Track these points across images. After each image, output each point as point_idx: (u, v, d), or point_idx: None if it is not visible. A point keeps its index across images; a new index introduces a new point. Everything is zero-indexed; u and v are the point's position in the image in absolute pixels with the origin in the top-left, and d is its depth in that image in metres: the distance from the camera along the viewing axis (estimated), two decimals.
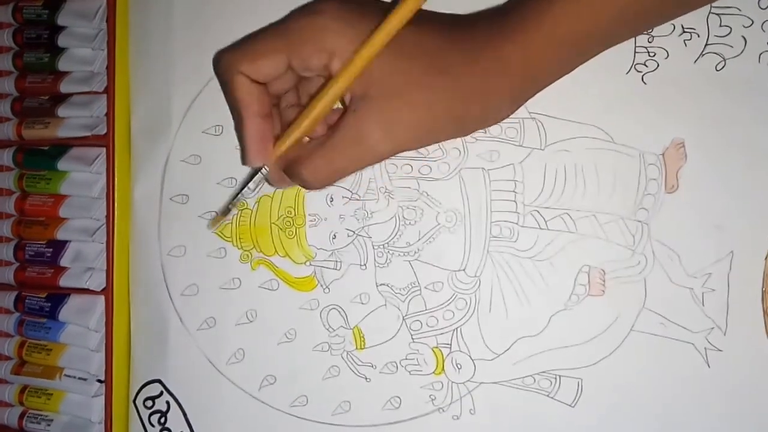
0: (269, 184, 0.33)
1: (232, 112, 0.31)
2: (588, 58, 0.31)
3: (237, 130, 0.31)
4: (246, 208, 0.39)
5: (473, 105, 0.30)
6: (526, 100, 0.31)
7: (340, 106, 0.31)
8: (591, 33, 0.29)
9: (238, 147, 0.39)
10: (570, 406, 0.36)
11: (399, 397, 0.38)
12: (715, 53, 0.35)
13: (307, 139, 0.32)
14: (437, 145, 0.37)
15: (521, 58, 0.29)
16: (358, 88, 0.29)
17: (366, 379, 0.38)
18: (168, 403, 0.40)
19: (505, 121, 0.36)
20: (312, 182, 0.30)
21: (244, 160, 0.31)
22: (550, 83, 0.31)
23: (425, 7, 0.27)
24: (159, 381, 0.40)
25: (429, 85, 0.29)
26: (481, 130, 0.37)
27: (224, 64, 0.30)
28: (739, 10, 0.35)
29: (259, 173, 0.32)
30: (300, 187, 0.39)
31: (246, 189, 0.32)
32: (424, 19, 0.30)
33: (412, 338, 0.38)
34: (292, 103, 0.33)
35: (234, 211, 0.34)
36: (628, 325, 0.36)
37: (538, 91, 0.31)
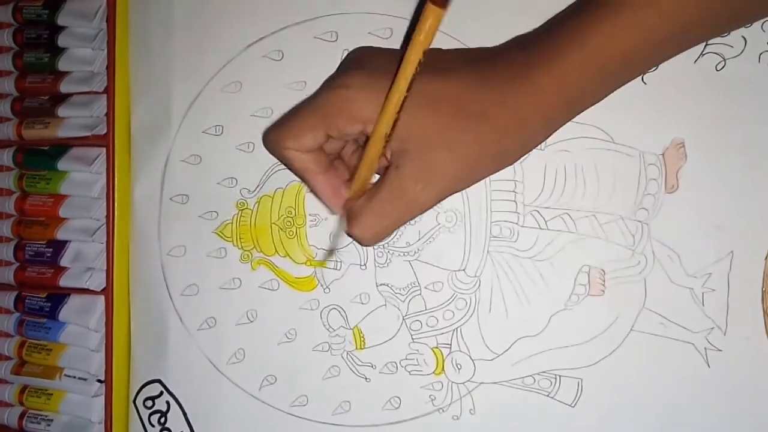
0: None
1: (300, 178, 0.34)
2: (624, 83, 0.31)
3: (311, 191, 0.35)
4: (246, 208, 0.39)
5: (508, 140, 0.30)
6: (562, 125, 0.31)
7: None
8: (629, 60, 0.29)
9: (239, 147, 0.39)
10: (570, 406, 0.36)
11: (399, 397, 0.38)
12: (715, 53, 0.35)
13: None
14: None
15: (557, 88, 0.29)
16: (396, 144, 0.30)
17: (366, 379, 0.38)
18: (168, 403, 0.40)
19: None
20: (363, 240, 0.31)
21: (330, 212, 0.34)
22: (586, 108, 0.31)
23: (450, 45, 0.27)
24: (159, 381, 0.40)
25: (461, 130, 0.29)
26: None
27: (271, 143, 0.33)
28: None
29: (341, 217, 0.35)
30: (300, 187, 0.39)
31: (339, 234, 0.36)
32: (449, 62, 0.31)
33: (412, 338, 0.38)
34: (352, 150, 0.34)
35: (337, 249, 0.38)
36: (628, 325, 0.36)
37: (573, 117, 0.31)
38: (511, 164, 0.31)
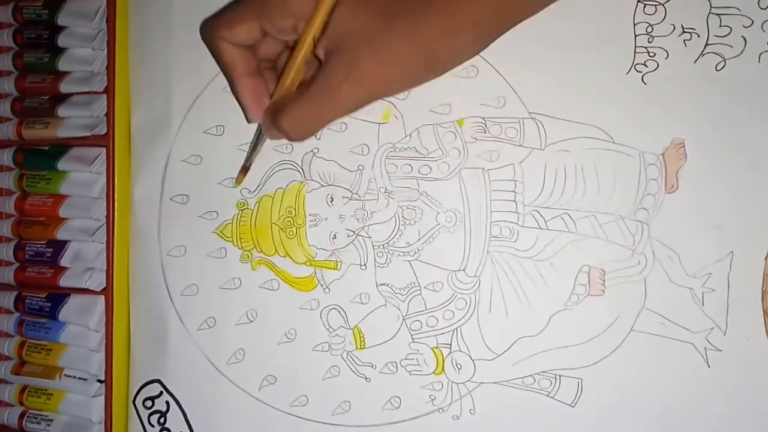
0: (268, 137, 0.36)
1: (226, 77, 0.34)
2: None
3: (233, 92, 0.34)
4: (247, 209, 0.39)
5: (438, 46, 0.30)
6: (495, 38, 0.32)
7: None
8: None
9: (240, 147, 0.39)
10: (570, 406, 0.36)
11: (399, 397, 0.38)
12: (715, 53, 0.35)
13: None
14: (437, 144, 0.37)
15: None
16: (329, 43, 0.31)
17: (366, 379, 0.38)
18: (168, 403, 0.40)
19: (505, 121, 0.37)
20: (292, 132, 0.32)
21: (246, 118, 0.34)
22: (519, 21, 0.32)
23: None
24: (159, 381, 0.40)
25: (391, 31, 0.30)
26: (481, 128, 0.37)
27: (206, 32, 0.33)
28: (739, 10, 0.35)
29: (259, 127, 0.35)
30: (301, 187, 0.39)
31: (256, 144, 0.36)
32: None
33: (412, 338, 0.38)
34: (285, 60, 0.34)
35: (251, 165, 0.38)
36: (628, 325, 0.36)
37: (507, 29, 0.32)
38: (441, 74, 0.32)
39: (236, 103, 0.39)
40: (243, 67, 0.33)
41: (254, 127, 0.39)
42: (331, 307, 0.38)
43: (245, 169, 0.38)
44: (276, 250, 0.39)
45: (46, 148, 0.43)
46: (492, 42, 0.32)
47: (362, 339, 0.38)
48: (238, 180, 0.39)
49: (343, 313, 0.38)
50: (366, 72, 0.30)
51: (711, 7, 0.35)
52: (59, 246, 0.42)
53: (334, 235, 0.38)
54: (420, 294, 0.38)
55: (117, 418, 0.41)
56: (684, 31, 0.35)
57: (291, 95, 0.32)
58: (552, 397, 0.36)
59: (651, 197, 0.36)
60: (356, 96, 0.31)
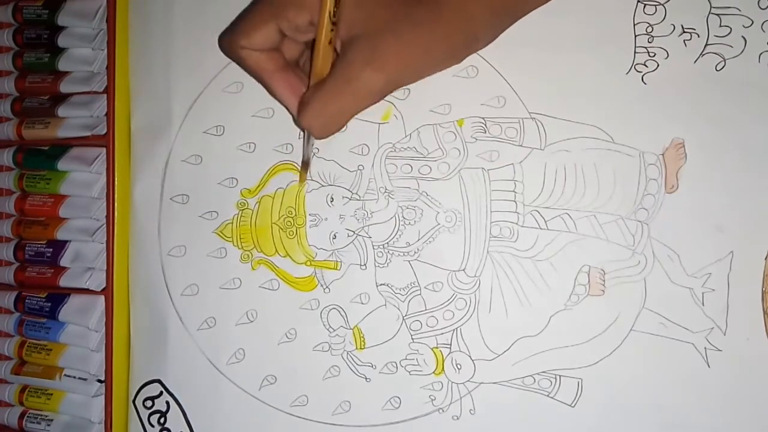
0: None
1: (259, 82, 0.34)
2: None
3: (270, 94, 0.34)
4: (247, 208, 0.39)
5: (457, 31, 0.30)
6: (510, 24, 0.32)
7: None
8: None
9: (240, 147, 0.39)
10: (570, 406, 0.36)
11: (399, 397, 0.38)
12: (715, 53, 0.35)
13: None
14: (437, 144, 0.37)
15: None
16: (345, 32, 0.30)
17: (366, 379, 0.38)
18: (168, 403, 0.40)
19: (505, 121, 0.37)
20: (312, 129, 0.31)
21: (292, 114, 0.33)
22: (532, 9, 0.32)
23: None
24: (159, 381, 0.40)
25: (411, 16, 0.30)
26: (481, 128, 0.37)
27: (226, 46, 0.33)
28: (739, 10, 0.35)
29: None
30: (300, 187, 0.39)
31: (309, 137, 0.35)
32: None
33: (412, 338, 0.38)
34: (308, 57, 0.34)
35: (310, 159, 0.37)
36: (628, 325, 0.36)
37: (520, 17, 0.32)
38: (457, 63, 0.32)
39: (236, 102, 0.39)
40: (271, 66, 0.32)
41: (252, 126, 0.39)
42: (331, 307, 0.38)
43: (306, 165, 0.37)
44: (276, 250, 0.39)
45: (46, 148, 0.43)
46: (505, 30, 0.32)
47: (362, 339, 0.38)
48: (301, 177, 0.38)
49: (343, 313, 0.38)
50: (388, 57, 0.29)
51: (711, 7, 0.35)
52: (59, 246, 0.42)
53: (334, 235, 0.38)
54: (420, 294, 0.38)
55: (117, 418, 0.41)
56: (684, 31, 0.35)
57: (311, 89, 0.31)
58: (552, 397, 0.36)
59: (651, 197, 0.36)
60: (377, 83, 0.30)
